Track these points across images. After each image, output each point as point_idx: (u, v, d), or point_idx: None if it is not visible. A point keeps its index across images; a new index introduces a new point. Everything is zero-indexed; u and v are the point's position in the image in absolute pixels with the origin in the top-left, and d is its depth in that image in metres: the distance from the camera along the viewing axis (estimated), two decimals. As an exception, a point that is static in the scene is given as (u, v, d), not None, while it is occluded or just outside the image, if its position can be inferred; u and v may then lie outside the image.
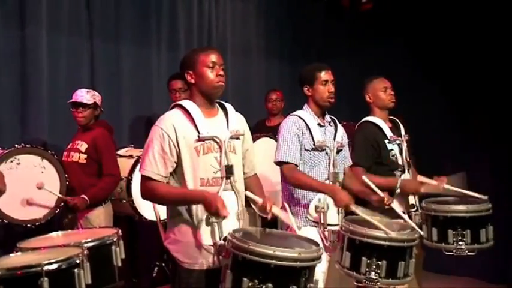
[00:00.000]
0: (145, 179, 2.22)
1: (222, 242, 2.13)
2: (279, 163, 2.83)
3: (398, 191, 3.09)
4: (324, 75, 2.90)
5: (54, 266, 1.84)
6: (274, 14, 5.45)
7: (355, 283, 2.68)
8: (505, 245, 4.57)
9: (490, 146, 4.97)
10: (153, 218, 3.49)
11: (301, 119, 2.87)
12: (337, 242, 2.53)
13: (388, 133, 3.24)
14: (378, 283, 2.29)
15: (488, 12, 4.82)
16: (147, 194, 2.25)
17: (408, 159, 3.25)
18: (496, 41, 4.79)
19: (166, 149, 2.19)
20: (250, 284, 1.86)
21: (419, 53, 5.28)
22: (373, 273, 2.28)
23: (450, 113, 5.19)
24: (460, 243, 2.86)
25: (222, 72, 2.28)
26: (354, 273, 2.33)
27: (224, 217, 2.10)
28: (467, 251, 2.88)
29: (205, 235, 2.19)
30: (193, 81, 2.29)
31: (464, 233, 2.86)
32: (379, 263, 2.28)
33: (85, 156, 3.46)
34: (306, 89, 2.93)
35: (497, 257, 4.68)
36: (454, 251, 2.89)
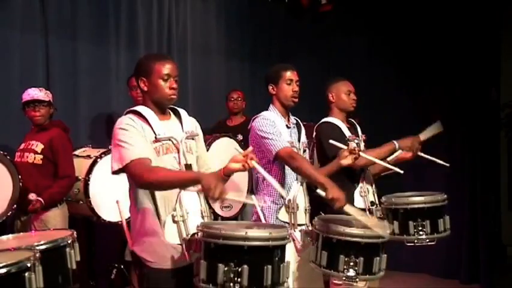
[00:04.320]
0: (131, 167, 2.12)
1: (190, 237, 2.14)
2: (276, 156, 2.76)
3: (399, 151, 3.14)
4: (289, 74, 2.92)
5: (3, 271, 1.76)
6: (235, 13, 5.45)
7: (335, 281, 2.75)
8: (458, 243, 4.73)
9: (444, 147, 5.11)
10: (112, 219, 3.48)
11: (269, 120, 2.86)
12: (310, 241, 2.56)
13: (347, 133, 3.29)
14: (357, 280, 2.36)
15: (450, 11, 4.96)
16: (143, 180, 2.11)
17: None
18: (460, 43, 4.93)
19: (140, 133, 2.18)
20: (226, 269, 1.89)
21: (381, 53, 5.38)
22: (351, 270, 2.33)
23: (410, 112, 5.32)
24: (421, 233, 2.97)
25: (175, 85, 2.29)
26: (332, 271, 2.37)
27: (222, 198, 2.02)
28: (428, 241, 2.99)
29: (172, 234, 2.19)
30: (146, 89, 2.30)
31: (424, 223, 2.97)
32: (357, 260, 2.33)
33: (41, 156, 3.39)
34: (271, 87, 2.94)
35: (450, 255, 4.84)
36: (415, 241, 2.99)
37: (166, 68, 2.27)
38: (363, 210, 3.17)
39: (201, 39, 5.13)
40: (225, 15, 5.36)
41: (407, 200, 3.07)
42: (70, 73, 4.18)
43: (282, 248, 2.01)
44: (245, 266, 1.88)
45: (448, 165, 3.27)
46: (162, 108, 2.33)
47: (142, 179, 2.12)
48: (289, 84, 2.91)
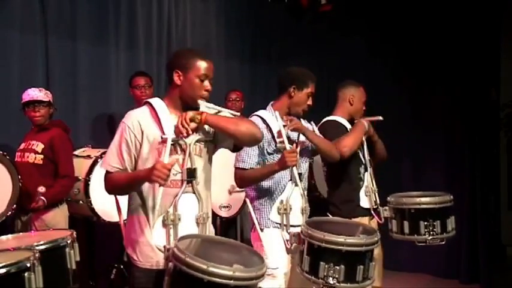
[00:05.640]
0: (106, 174, 2.25)
1: (168, 247, 2.07)
2: (236, 169, 2.81)
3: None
4: (313, 88, 2.88)
5: (3, 271, 1.78)
6: (235, 14, 5.44)
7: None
8: (458, 243, 4.73)
9: (443, 146, 5.12)
10: (112, 219, 3.48)
11: (263, 120, 2.84)
12: (298, 244, 2.53)
13: None
14: None
15: (450, 11, 4.96)
16: (106, 187, 2.26)
17: (369, 158, 3.31)
18: (460, 43, 4.93)
19: (130, 144, 2.18)
20: None
21: (380, 53, 5.38)
22: (331, 278, 2.29)
23: (410, 112, 5.32)
24: (432, 233, 3.01)
25: (209, 87, 2.24)
26: (313, 277, 2.33)
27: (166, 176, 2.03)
28: (438, 240, 3.03)
29: (160, 237, 2.17)
30: (179, 82, 2.23)
31: (434, 223, 3.01)
32: (337, 267, 2.28)
33: (41, 156, 3.39)
34: (292, 89, 2.86)
35: (450, 255, 4.84)
36: (426, 241, 3.02)
37: (206, 68, 2.21)
38: (368, 210, 3.19)
39: (201, 39, 5.12)
40: (225, 16, 5.35)
41: (418, 200, 3.09)
42: (70, 73, 4.17)
43: (248, 287, 1.87)
44: None
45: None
46: (186, 106, 2.25)
47: (106, 187, 2.26)
48: (308, 96, 2.87)
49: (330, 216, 3.02)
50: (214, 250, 2.04)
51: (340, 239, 2.31)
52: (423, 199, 3.08)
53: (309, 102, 2.88)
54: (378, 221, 3.19)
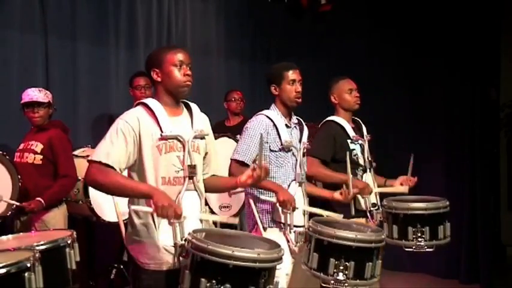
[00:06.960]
0: (93, 163, 2.14)
1: (182, 242, 2.09)
2: (233, 160, 2.80)
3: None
4: (292, 74, 2.87)
5: (3, 271, 1.77)
6: (235, 13, 5.45)
7: (322, 284, 2.66)
8: (458, 243, 4.72)
9: (443, 147, 5.12)
10: (111, 219, 3.48)
11: (269, 118, 2.85)
12: (304, 243, 2.53)
13: (351, 133, 3.27)
14: (346, 284, 2.30)
15: (450, 11, 4.96)
16: (93, 178, 2.13)
17: (370, 159, 3.30)
18: (459, 43, 4.93)
19: (128, 138, 2.15)
20: (208, 285, 1.85)
21: (380, 53, 5.38)
22: (341, 274, 2.28)
23: (410, 112, 5.32)
24: (420, 239, 2.95)
25: (189, 72, 2.26)
26: (322, 274, 2.33)
27: (179, 217, 2.06)
28: (426, 247, 2.97)
29: (166, 235, 2.15)
30: (159, 79, 2.26)
31: (423, 229, 2.95)
32: (347, 264, 2.28)
33: (41, 157, 3.39)
34: (273, 88, 2.90)
35: (450, 255, 4.84)
36: (413, 247, 2.97)
37: (179, 56, 2.25)
38: (364, 211, 3.18)
39: (201, 39, 5.13)
40: (225, 15, 5.35)
41: (407, 205, 3.03)
42: (70, 73, 4.18)
43: (270, 269, 1.92)
44: (228, 285, 1.83)
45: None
46: (176, 100, 2.29)
47: (90, 177, 2.14)
48: (291, 84, 2.86)
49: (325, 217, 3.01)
50: (228, 240, 2.04)
51: (351, 234, 2.32)
52: (413, 204, 3.02)
53: (297, 88, 2.86)
54: (372, 223, 3.18)
